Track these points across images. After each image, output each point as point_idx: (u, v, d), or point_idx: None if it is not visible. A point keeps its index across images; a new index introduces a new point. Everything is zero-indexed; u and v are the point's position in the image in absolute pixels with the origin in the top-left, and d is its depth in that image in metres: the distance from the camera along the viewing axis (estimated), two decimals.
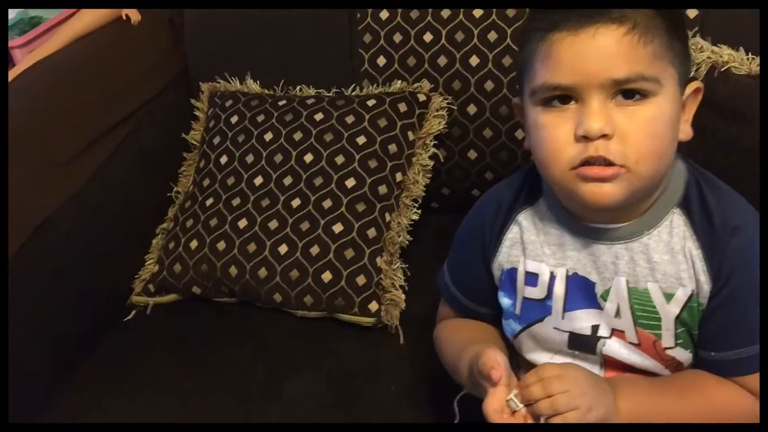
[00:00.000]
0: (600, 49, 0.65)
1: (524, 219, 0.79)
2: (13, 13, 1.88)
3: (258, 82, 1.31)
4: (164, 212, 1.28)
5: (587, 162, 0.67)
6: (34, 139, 1.13)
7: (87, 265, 1.14)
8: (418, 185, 1.17)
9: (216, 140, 1.25)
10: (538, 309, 0.78)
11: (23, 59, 1.62)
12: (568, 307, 0.77)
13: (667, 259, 0.72)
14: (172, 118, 1.35)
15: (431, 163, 1.19)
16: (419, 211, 1.17)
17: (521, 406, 0.67)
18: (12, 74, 1.47)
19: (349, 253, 1.10)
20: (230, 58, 1.34)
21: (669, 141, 0.68)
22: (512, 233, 0.80)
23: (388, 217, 1.14)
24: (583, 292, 0.76)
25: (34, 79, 1.30)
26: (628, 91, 0.66)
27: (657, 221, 0.73)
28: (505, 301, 0.81)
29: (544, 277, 0.77)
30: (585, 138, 0.66)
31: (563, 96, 0.68)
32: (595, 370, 0.77)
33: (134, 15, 1.41)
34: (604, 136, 0.66)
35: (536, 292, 0.78)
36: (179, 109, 1.36)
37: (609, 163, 0.66)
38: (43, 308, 1.06)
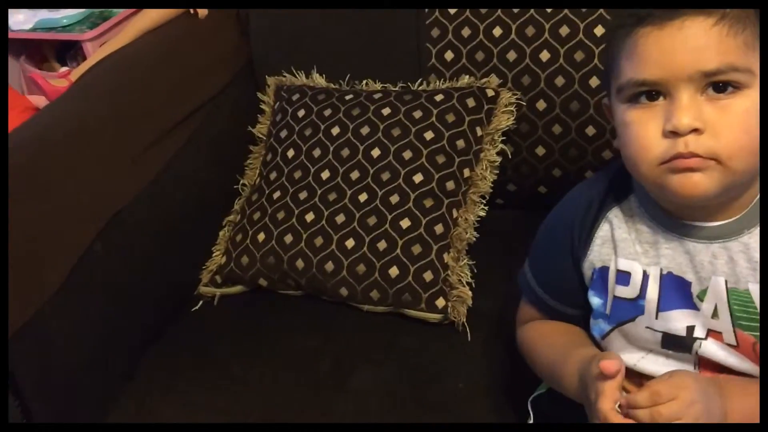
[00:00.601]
0: (687, 41, 0.64)
1: (615, 216, 0.78)
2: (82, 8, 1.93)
3: (324, 75, 1.31)
4: (231, 204, 1.29)
5: (678, 157, 0.65)
6: (107, 132, 1.15)
7: (157, 256, 1.15)
8: (486, 181, 1.16)
9: (283, 134, 1.25)
10: (630, 308, 0.76)
11: (94, 52, 1.66)
12: (662, 307, 0.74)
13: None
14: (238, 111, 1.36)
15: (499, 159, 1.18)
16: (486, 208, 1.16)
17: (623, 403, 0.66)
18: (84, 67, 1.51)
19: (416, 249, 1.10)
20: (296, 51, 1.34)
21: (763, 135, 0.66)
22: (603, 231, 0.78)
23: (455, 213, 1.13)
24: (678, 292, 0.74)
25: (105, 73, 1.33)
26: (719, 84, 0.64)
27: (758, 219, 0.70)
28: (595, 300, 0.79)
29: (637, 276, 0.75)
30: (674, 134, 0.65)
31: (651, 92, 0.66)
32: (689, 369, 0.75)
33: (202, 10, 1.43)
34: (694, 131, 0.64)
35: (628, 291, 0.76)
36: (245, 102, 1.37)
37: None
38: (115, 299, 1.07)
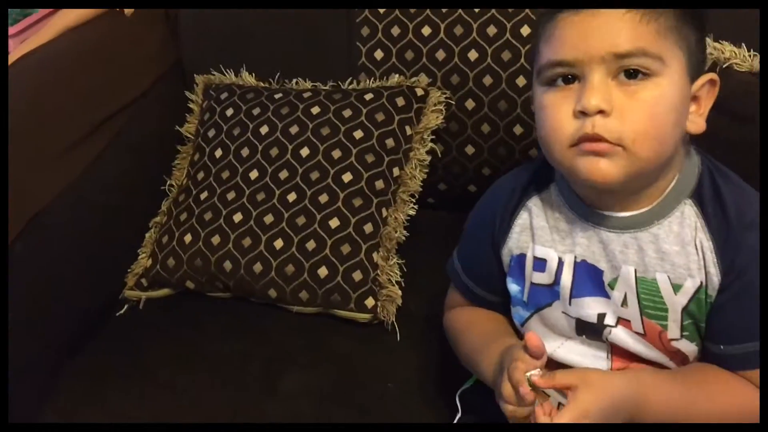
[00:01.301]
0: (602, 25, 0.66)
1: (534, 205, 0.80)
2: None
3: (253, 74, 1.30)
4: (158, 206, 1.26)
5: (584, 139, 0.67)
6: (27, 131, 1.11)
7: (80, 258, 1.12)
8: (416, 180, 1.17)
9: (211, 133, 1.23)
10: (547, 294, 0.79)
11: (15, 49, 1.60)
12: (575, 293, 0.77)
13: (677, 250, 0.72)
14: (166, 110, 1.33)
15: (429, 158, 1.18)
16: (416, 207, 1.16)
17: (535, 374, 0.68)
18: None
19: (346, 249, 1.09)
20: (225, 49, 1.32)
21: (670, 125, 0.68)
22: (522, 219, 0.80)
23: (384, 213, 1.13)
24: (590, 279, 0.76)
25: (27, 70, 1.28)
26: (630, 71, 0.66)
27: (668, 211, 0.73)
28: (513, 287, 0.81)
29: (552, 263, 0.77)
30: (583, 114, 0.67)
31: (567, 75, 0.69)
32: (602, 356, 0.77)
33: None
34: (601, 112, 0.66)
35: (544, 278, 0.78)
36: (174, 101, 1.34)
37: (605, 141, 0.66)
38: (37, 301, 1.04)
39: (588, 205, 0.75)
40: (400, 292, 1.09)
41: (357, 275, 1.08)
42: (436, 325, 1.04)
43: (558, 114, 0.69)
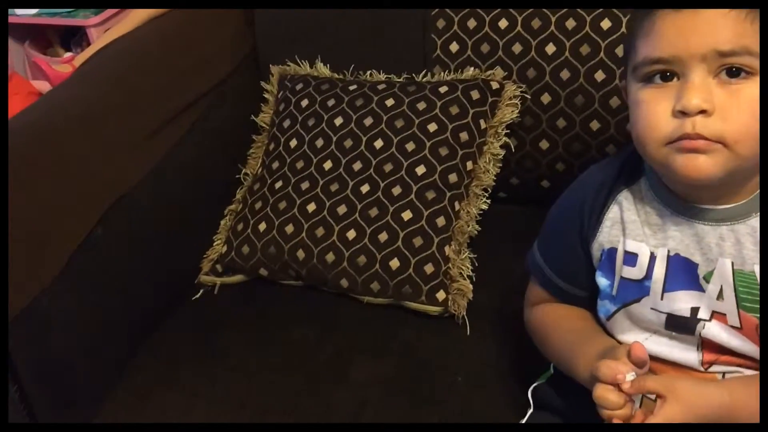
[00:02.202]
0: (704, 22, 0.65)
1: (625, 198, 0.78)
2: None
3: (328, 66, 1.31)
4: (233, 193, 1.29)
5: (684, 137, 0.65)
6: (109, 119, 1.15)
7: (159, 243, 1.15)
8: (489, 174, 1.16)
9: (286, 123, 1.25)
10: (636, 289, 0.77)
11: (99, 38, 1.65)
12: (667, 287, 0.75)
13: None
14: (241, 100, 1.35)
15: (502, 152, 1.18)
16: (489, 201, 1.16)
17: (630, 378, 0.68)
18: (89, 52, 1.50)
19: (418, 241, 1.09)
20: (300, 40, 1.34)
21: None
22: (612, 212, 0.79)
23: (457, 206, 1.13)
24: (684, 273, 0.74)
25: (109, 59, 1.32)
26: (732, 69, 0.65)
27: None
28: (602, 281, 0.80)
29: (644, 258, 0.76)
30: (683, 114, 0.65)
31: (665, 72, 0.67)
32: (692, 351, 0.76)
33: None
34: (702, 112, 0.65)
35: (634, 272, 0.77)
36: (249, 91, 1.36)
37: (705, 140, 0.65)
38: (115, 285, 1.07)
39: (681, 199, 0.74)
40: (471, 286, 1.09)
41: (428, 268, 1.08)
42: (506, 319, 1.04)
43: (655, 111, 0.67)
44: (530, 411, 0.89)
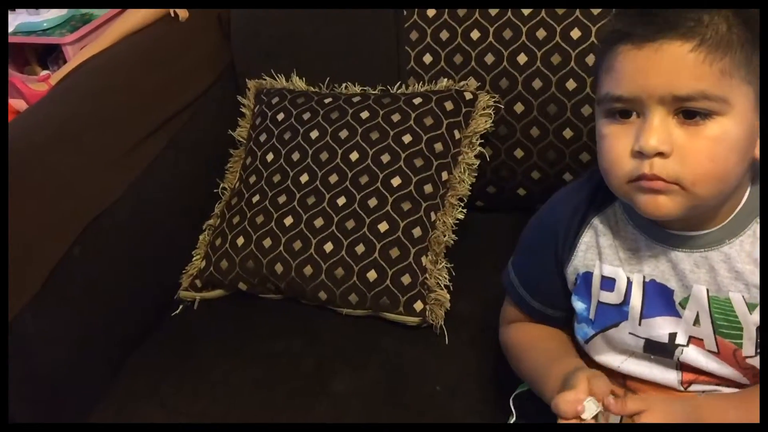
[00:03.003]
0: (663, 63, 0.64)
1: (600, 223, 0.78)
2: (64, 11, 1.92)
3: (304, 79, 1.31)
4: (211, 208, 1.29)
5: (642, 178, 0.66)
6: (88, 134, 1.15)
7: (138, 259, 1.16)
8: (464, 184, 1.17)
9: (262, 137, 1.26)
10: (614, 313, 0.77)
11: (75, 55, 1.65)
12: (645, 313, 0.75)
13: (750, 269, 0.70)
14: (219, 114, 1.36)
15: (477, 162, 1.19)
16: (464, 211, 1.17)
17: (599, 407, 0.68)
18: (65, 70, 1.50)
19: (395, 252, 1.10)
20: (276, 54, 1.34)
21: (733, 163, 0.66)
22: (587, 237, 0.79)
23: (433, 216, 1.14)
24: (661, 299, 0.74)
25: (85, 76, 1.33)
26: (690, 111, 0.64)
27: (740, 230, 0.71)
28: (579, 305, 0.80)
29: (621, 282, 0.76)
30: (641, 154, 0.65)
31: (624, 110, 0.67)
32: (671, 371, 0.76)
33: (183, 12, 1.43)
34: (660, 154, 0.65)
35: (612, 297, 0.77)
36: (227, 105, 1.37)
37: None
38: (94, 304, 1.08)
39: (655, 225, 0.74)
40: (448, 296, 1.10)
41: (406, 279, 1.09)
42: (485, 328, 1.05)
43: (616, 149, 0.68)
44: (513, 419, 0.89)
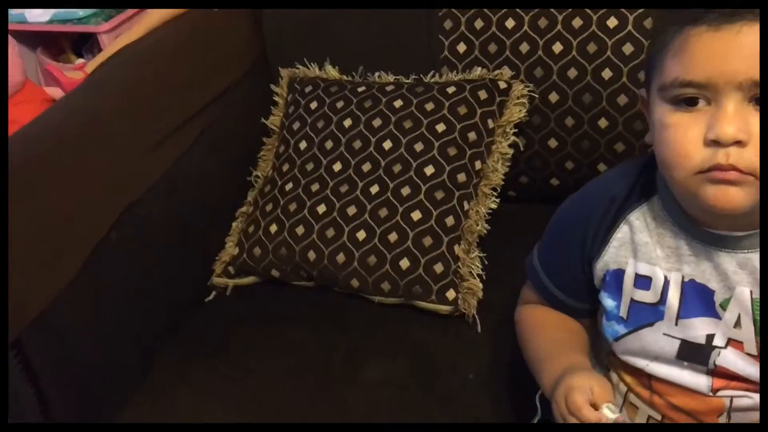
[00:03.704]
0: (744, 47, 0.60)
1: (636, 219, 0.75)
2: None
3: (337, 68, 1.31)
4: (244, 196, 1.30)
5: (716, 168, 0.63)
6: (121, 125, 1.16)
7: (171, 248, 1.17)
8: (497, 174, 1.16)
9: (295, 126, 1.26)
10: (650, 313, 0.74)
11: (109, 44, 1.67)
12: (682, 314, 0.73)
13: None
14: (252, 103, 1.37)
15: (511, 151, 1.18)
16: (497, 200, 1.16)
17: (616, 413, 0.67)
18: (100, 59, 1.52)
19: (427, 241, 1.10)
20: (309, 43, 1.35)
21: None
22: (622, 233, 0.76)
23: (466, 206, 1.13)
24: (700, 299, 0.72)
25: (120, 66, 1.33)
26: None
27: None
28: (609, 302, 0.77)
29: (658, 282, 0.73)
30: (716, 143, 0.62)
31: (692, 98, 0.64)
32: (702, 377, 0.74)
33: None
34: (737, 143, 0.61)
35: (648, 296, 0.74)
36: (259, 94, 1.38)
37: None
38: (128, 291, 1.09)
39: (697, 223, 0.71)
40: (481, 285, 1.09)
41: (438, 267, 1.09)
42: None
43: (685, 138, 0.64)
44: (538, 417, 0.87)
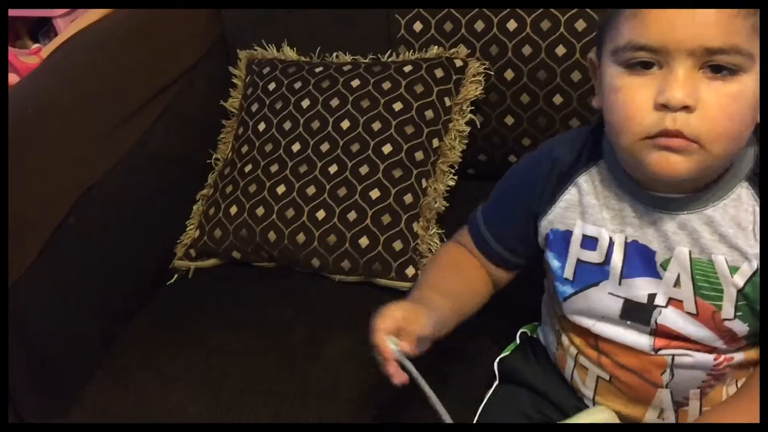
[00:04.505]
0: (696, 14, 0.61)
1: (584, 182, 0.77)
2: None
3: (294, 48, 1.31)
4: (204, 178, 1.30)
5: (663, 134, 0.64)
6: (80, 107, 1.15)
7: (131, 231, 1.16)
8: (455, 151, 1.18)
9: (254, 107, 1.26)
10: (596, 273, 0.77)
11: (66, 28, 1.65)
12: (625, 273, 0.75)
13: (733, 233, 0.70)
14: (211, 85, 1.36)
15: (468, 129, 1.19)
16: (455, 177, 1.18)
17: (397, 345, 0.73)
18: (56, 43, 1.50)
19: (386, 219, 1.11)
20: (267, 24, 1.34)
21: (748, 123, 0.65)
22: (570, 194, 0.78)
23: (424, 183, 1.14)
24: (642, 259, 0.74)
25: (76, 49, 1.32)
26: (717, 66, 0.62)
27: (724, 194, 0.70)
28: (554, 263, 0.80)
29: (604, 242, 0.75)
30: (664, 107, 0.63)
31: (646, 61, 0.65)
32: (644, 337, 0.76)
33: None
34: (685, 108, 0.63)
35: (594, 256, 0.76)
36: (218, 76, 1.37)
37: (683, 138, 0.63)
38: (89, 274, 1.09)
39: (640, 186, 0.73)
40: None
41: (397, 245, 1.10)
42: None
43: (635, 102, 0.65)
44: (496, 383, 0.91)
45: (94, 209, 1.10)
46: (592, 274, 0.77)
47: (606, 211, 0.76)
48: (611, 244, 0.75)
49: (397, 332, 0.74)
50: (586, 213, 0.77)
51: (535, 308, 0.94)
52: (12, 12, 1.88)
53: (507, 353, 0.93)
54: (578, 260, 0.78)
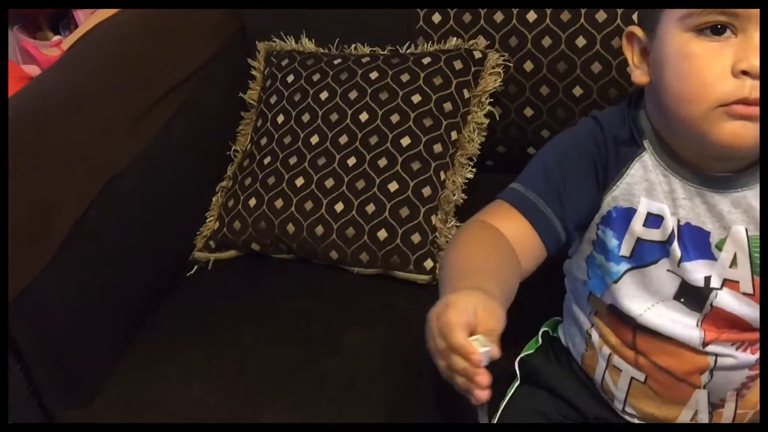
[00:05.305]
0: None
1: (648, 158, 0.73)
2: None
3: (313, 40, 1.31)
4: (223, 170, 1.30)
5: (742, 102, 0.61)
6: (100, 100, 1.16)
7: (151, 223, 1.17)
8: (474, 143, 1.17)
9: (273, 99, 1.26)
10: (657, 250, 0.73)
11: (86, 20, 1.66)
12: (681, 258, 0.72)
13: None
14: (230, 77, 1.36)
15: (487, 121, 1.19)
16: (474, 170, 1.17)
17: (487, 346, 0.58)
18: (76, 35, 1.51)
19: (405, 212, 1.11)
20: (286, 16, 1.34)
21: None
22: (636, 169, 0.73)
23: (443, 176, 1.14)
24: (696, 242, 0.71)
25: (96, 42, 1.33)
26: None
27: None
28: (612, 241, 0.74)
29: (668, 221, 0.72)
30: (745, 74, 0.60)
31: (717, 26, 0.61)
32: (692, 325, 0.73)
33: None
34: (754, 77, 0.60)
35: (657, 234, 0.72)
36: (237, 68, 1.37)
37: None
38: (109, 266, 1.09)
39: (688, 166, 0.70)
40: None
41: (416, 237, 1.10)
42: None
43: (711, 69, 0.62)
44: (516, 383, 0.89)
45: (115, 201, 1.10)
46: (652, 252, 0.73)
47: (661, 193, 0.73)
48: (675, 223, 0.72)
49: (473, 330, 0.59)
50: (654, 190, 0.73)
51: (555, 306, 0.93)
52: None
53: (528, 351, 0.91)
54: (638, 239, 0.73)
